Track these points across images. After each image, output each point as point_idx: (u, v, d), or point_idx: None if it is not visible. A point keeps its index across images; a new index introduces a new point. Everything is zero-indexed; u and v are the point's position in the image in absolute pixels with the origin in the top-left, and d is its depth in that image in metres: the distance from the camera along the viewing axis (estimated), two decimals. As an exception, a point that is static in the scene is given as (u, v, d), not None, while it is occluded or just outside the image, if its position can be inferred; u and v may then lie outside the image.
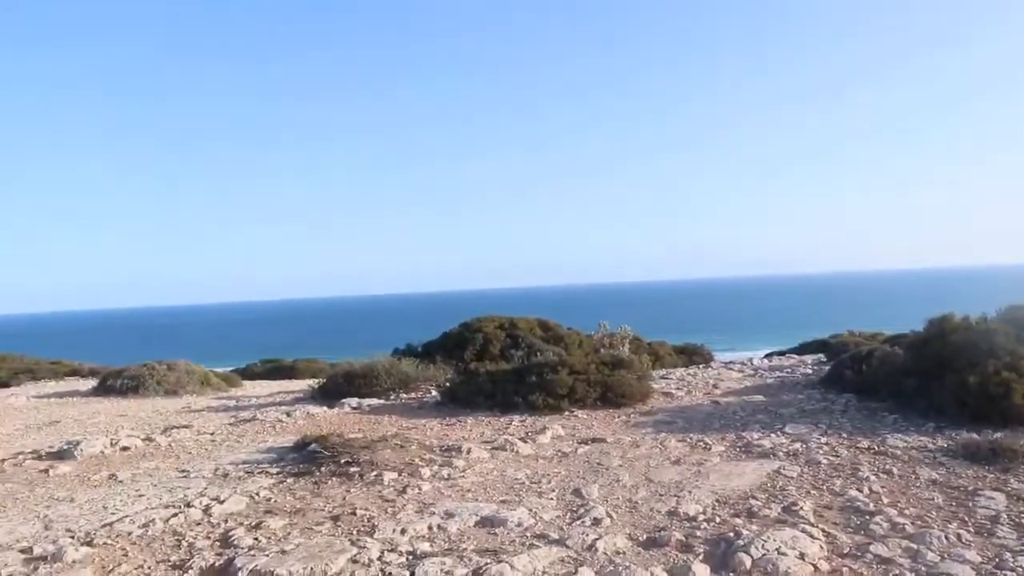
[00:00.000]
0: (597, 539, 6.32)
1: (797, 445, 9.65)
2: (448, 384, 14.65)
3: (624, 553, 6.07)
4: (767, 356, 26.39)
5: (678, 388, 15.39)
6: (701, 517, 6.88)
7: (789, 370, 18.42)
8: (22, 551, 6.59)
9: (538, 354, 15.46)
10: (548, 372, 13.59)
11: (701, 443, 10.03)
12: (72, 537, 6.94)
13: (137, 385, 20.17)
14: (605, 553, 6.04)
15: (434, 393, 14.97)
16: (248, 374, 30.39)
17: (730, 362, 22.82)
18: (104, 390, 20.99)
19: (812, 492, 7.62)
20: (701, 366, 21.71)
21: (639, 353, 18.90)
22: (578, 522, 6.85)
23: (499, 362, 16.24)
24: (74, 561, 6.25)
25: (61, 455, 10.67)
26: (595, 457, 9.48)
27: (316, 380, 18.44)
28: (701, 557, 5.92)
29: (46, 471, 9.81)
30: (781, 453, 9.28)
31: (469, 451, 9.74)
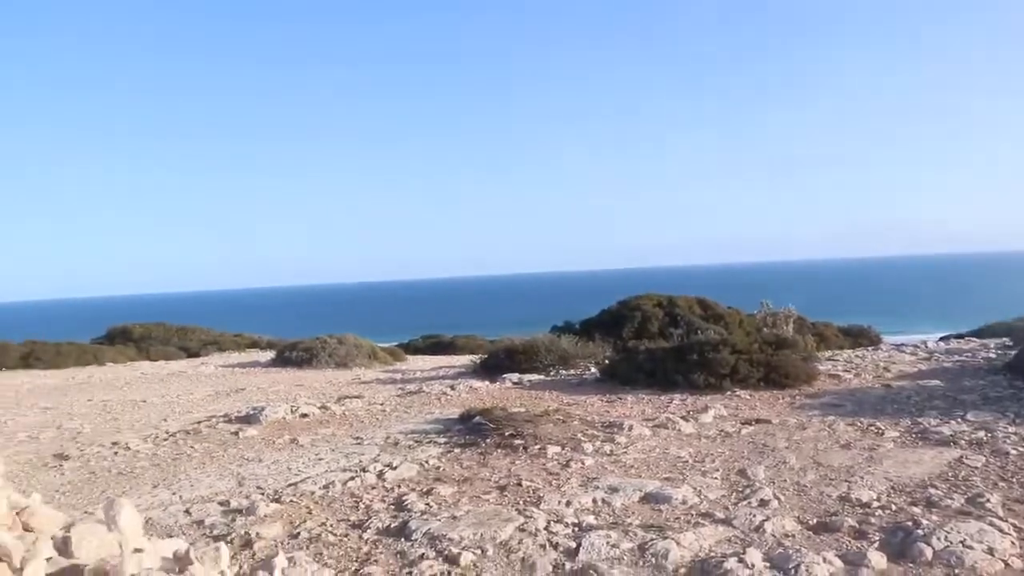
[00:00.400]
0: (765, 520, 6.19)
1: (981, 433, 9.03)
2: (607, 362, 14.68)
3: (793, 536, 5.91)
4: (943, 339, 24.81)
5: (846, 370, 14.74)
6: (875, 504, 6.59)
7: (969, 354, 17.22)
8: (220, 504, 7.21)
9: (698, 332, 15.23)
10: (709, 351, 13.37)
11: (873, 428, 9.59)
12: (262, 494, 7.51)
13: (310, 357, 21.39)
14: (773, 535, 5.92)
15: (593, 370, 15.05)
16: (410, 349, 31.54)
17: (901, 344, 21.55)
18: (281, 361, 22.39)
19: (1000, 484, 7.13)
20: (869, 348, 20.69)
21: (803, 333, 18.27)
22: (744, 503, 6.73)
23: (657, 340, 16.13)
24: (265, 516, 6.75)
25: (248, 419, 11.50)
26: (759, 438, 9.27)
27: (477, 356, 18.94)
28: (876, 545, 5.68)
29: (236, 433, 10.61)
30: (963, 441, 8.72)
31: (631, 428, 9.75)
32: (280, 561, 4.23)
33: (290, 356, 22.02)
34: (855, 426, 9.75)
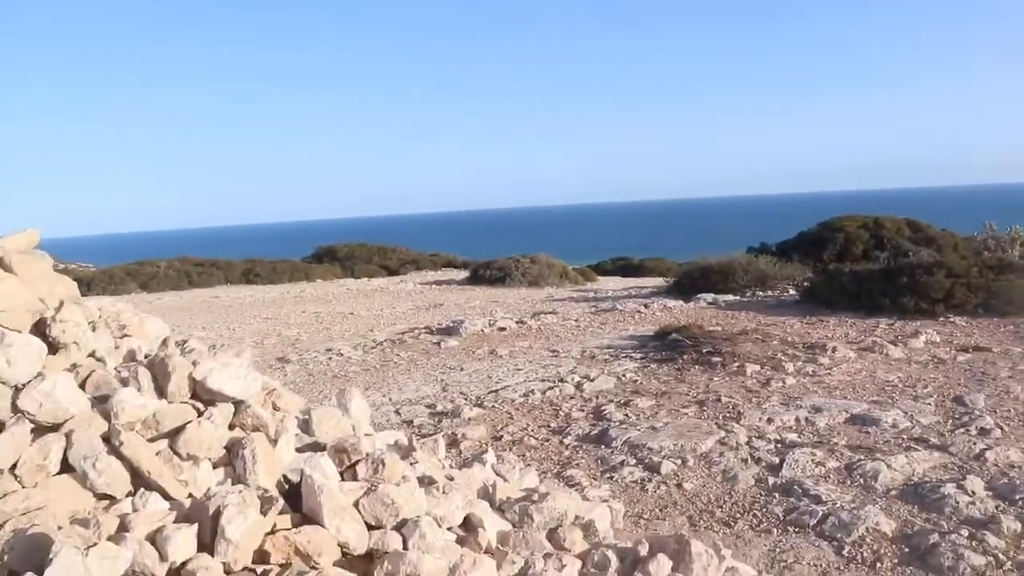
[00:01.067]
0: (986, 449, 5.77)
1: None
2: (807, 284, 14.07)
3: (1019, 468, 5.49)
4: None
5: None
6: (1115, 437, 6.01)
7: None
8: (427, 407, 7.61)
9: (908, 255, 14.24)
10: (921, 273, 12.49)
11: (1115, 358, 8.69)
12: (466, 399, 7.85)
13: (504, 276, 21.92)
14: (996, 464, 5.51)
15: (792, 292, 14.49)
16: (599, 271, 31.62)
17: None
18: (475, 280, 23.11)
19: None
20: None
21: (1031, 259, 16.68)
22: (961, 430, 6.31)
23: (861, 264, 15.25)
24: (469, 419, 7.06)
25: (448, 331, 12.00)
26: (978, 366, 8.60)
27: (668, 277, 18.71)
28: (1118, 477, 5.20)
29: (438, 344, 11.11)
30: None
31: (834, 350, 9.34)
32: (490, 457, 4.42)
33: (484, 275, 22.66)
34: (1093, 359, 8.86)
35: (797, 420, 6.71)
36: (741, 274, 15.26)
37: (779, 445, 6.08)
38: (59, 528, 2.19)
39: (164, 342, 3.31)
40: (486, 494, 3.74)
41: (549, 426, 6.88)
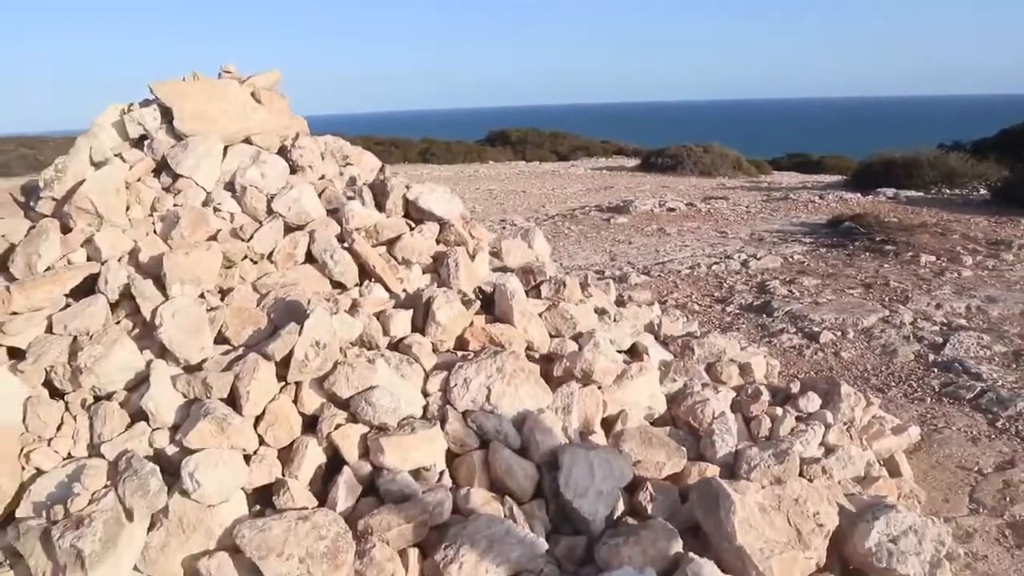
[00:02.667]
0: None
1: None
2: (1000, 183, 13.25)
3: None
4: None
5: None
6: None
7: None
8: (596, 272, 8.02)
9: None
10: None
11: None
12: (633, 267, 8.20)
13: (675, 164, 21.72)
14: None
15: (983, 191, 13.70)
16: (774, 166, 30.57)
17: None
18: (646, 167, 23.02)
19: None
20: None
21: None
22: None
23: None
24: (636, 284, 7.42)
25: (618, 210, 12.28)
26: None
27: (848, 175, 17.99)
28: None
29: (607, 220, 11.43)
30: None
31: (1021, 247, 8.95)
32: (656, 309, 4.76)
33: (655, 162, 22.54)
34: None
35: (968, 308, 6.64)
36: (927, 169, 14.50)
37: (945, 328, 6.10)
38: (308, 301, 2.75)
39: (380, 170, 3.83)
40: (651, 329, 4.12)
41: (713, 295, 7.15)
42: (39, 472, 2.35)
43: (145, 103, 3.38)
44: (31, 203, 3.00)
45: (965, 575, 3.08)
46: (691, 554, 2.46)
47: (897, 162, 15.02)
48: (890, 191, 13.77)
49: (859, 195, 13.70)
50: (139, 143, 3.30)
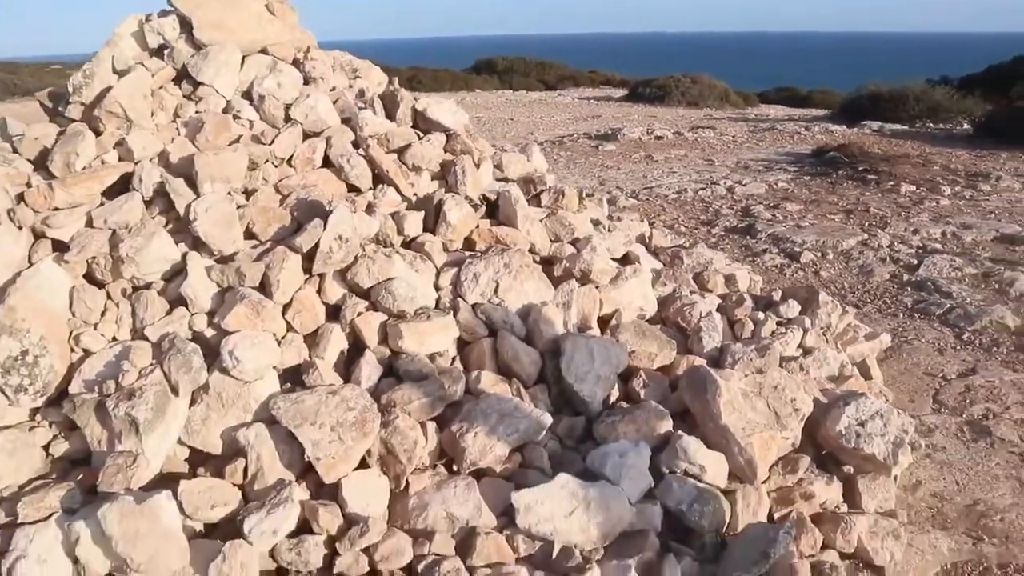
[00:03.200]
0: None
1: None
2: (983, 118, 13.46)
3: None
4: None
5: None
6: None
7: None
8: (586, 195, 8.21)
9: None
10: (1115, 112, 11.76)
11: None
12: (621, 192, 8.40)
13: (663, 94, 21.74)
14: None
15: (966, 126, 13.91)
16: (762, 99, 30.55)
17: None
18: (634, 97, 23.01)
19: None
20: None
21: None
22: (1118, 255, 6.37)
23: (1054, 101, 14.30)
24: (624, 207, 7.63)
25: (606, 137, 12.42)
26: None
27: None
28: None
29: (596, 147, 11.59)
30: None
31: (998, 179, 9.21)
32: (646, 224, 4.96)
33: (643, 92, 22.53)
34: None
35: (943, 234, 6.91)
36: (913, 103, 14.67)
37: (920, 251, 6.38)
38: (329, 200, 2.95)
39: (388, 83, 3.99)
40: (642, 241, 4.35)
41: (699, 218, 7.39)
42: (86, 353, 2.56)
43: (163, 13, 3.51)
44: (59, 108, 3.15)
45: (925, 463, 3.39)
46: (680, 432, 2.74)
47: (884, 96, 15.17)
48: (875, 124, 13.96)
49: (844, 127, 13.89)
50: (158, 52, 3.44)
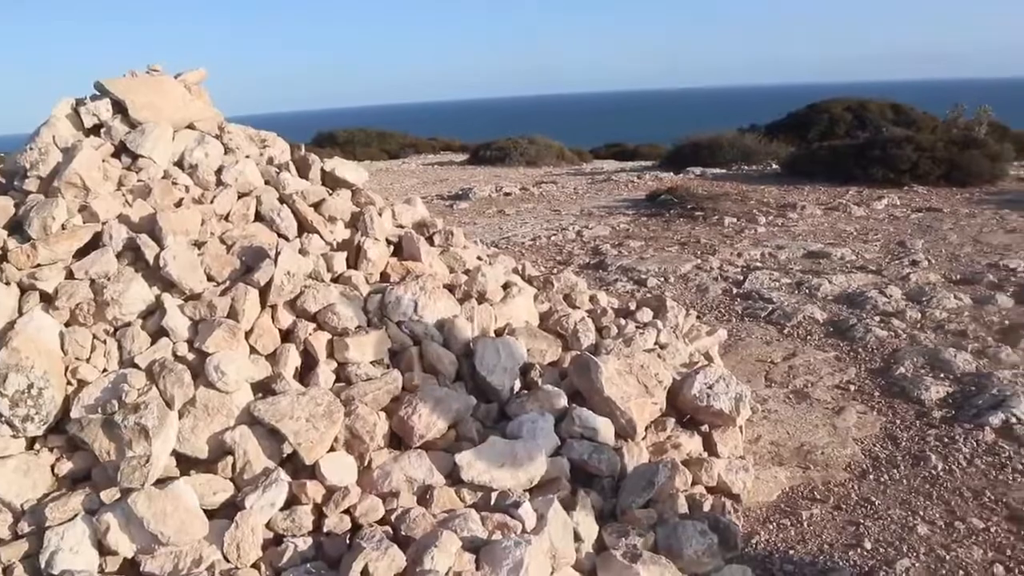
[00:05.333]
0: (911, 273, 7.18)
1: None
2: (788, 158, 15.29)
3: (934, 285, 6.85)
4: None
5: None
6: (1021, 269, 7.25)
7: None
8: (452, 247, 8.98)
9: (884, 131, 15.44)
10: (892, 147, 13.70)
11: (1047, 218, 9.99)
12: (481, 242, 9.20)
13: (503, 156, 23.01)
14: (916, 283, 6.90)
15: (775, 166, 15.73)
16: (594, 155, 32.59)
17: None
18: (475, 160, 24.19)
19: None
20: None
21: (1002, 141, 17.81)
22: (896, 262, 7.70)
23: (844, 141, 16.40)
24: (488, 254, 8.42)
25: (458, 197, 13.30)
26: (926, 222, 9.93)
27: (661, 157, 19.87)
28: (1009, 293, 6.49)
29: (450, 206, 12.42)
30: None
31: (803, 208, 10.69)
32: (514, 262, 5.74)
33: (484, 155, 23.75)
34: (1028, 217, 10.15)
35: (762, 254, 8.11)
36: (728, 149, 16.45)
37: (744, 269, 7.51)
38: (270, 245, 3.54)
39: (292, 150, 4.61)
40: (517, 272, 5.13)
41: (555, 259, 8.29)
42: (81, 384, 3.03)
43: (95, 97, 4.03)
44: (15, 183, 3.60)
45: (762, 422, 4.28)
46: (574, 404, 3.48)
47: (703, 144, 16.92)
48: (698, 169, 15.57)
49: (672, 174, 15.41)
50: (94, 131, 3.95)
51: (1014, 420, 4.13)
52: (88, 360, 3.07)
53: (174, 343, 3.11)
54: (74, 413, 2.94)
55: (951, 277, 7.09)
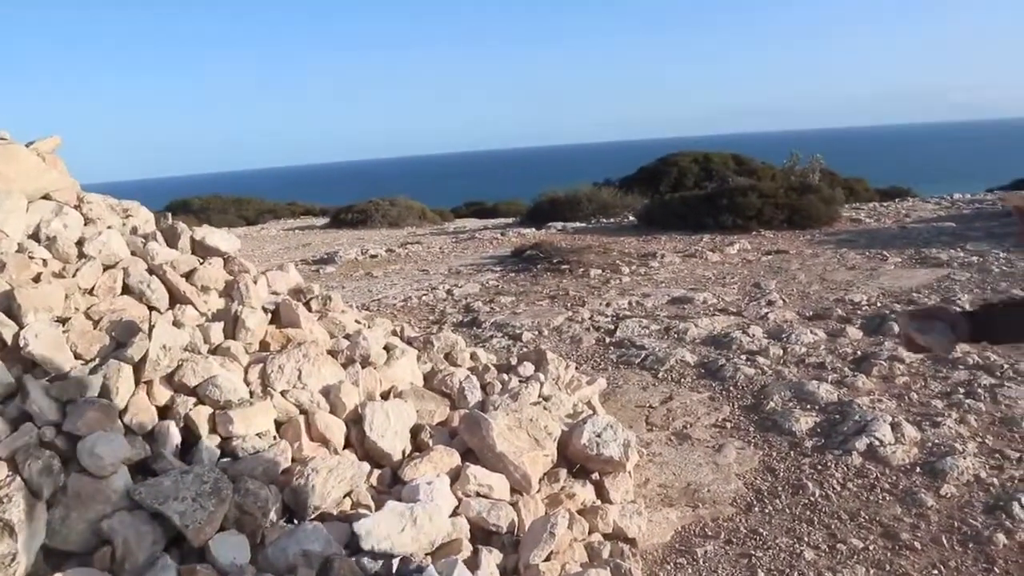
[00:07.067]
0: (769, 312, 7.60)
1: (974, 258, 10.12)
2: (643, 210, 15.94)
3: (791, 322, 7.30)
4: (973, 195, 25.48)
5: (868, 216, 15.78)
6: (864, 303, 7.87)
7: (991, 203, 18.11)
8: (321, 312, 8.81)
9: (729, 181, 16.36)
10: (738, 196, 14.54)
11: (879, 255, 10.78)
12: (352, 306, 9.07)
13: (365, 218, 22.88)
14: (775, 321, 7.32)
15: (631, 218, 16.34)
16: (454, 214, 32.93)
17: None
18: (337, 223, 23.93)
19: (975, 290, 8.30)
20: (897, 200, 21.56)
21: (832, 186, 19.24)
22: (754, 302, 8.13)
23: (693, 192, 17.26)
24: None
25: (324, 261, 13.11)
26: (776, 263, 10.56)
27: (521, 216, 20.28)
28: (857, 325, 7.02)
29: (316, 271, 12.21)
30: (956, 264, 9.85)
31: (663, 256, 11.13)
32: (392, 324, 5.70)
33: (345, 218, 23.53)
34: (864, 255, 10.94)
35: (630, 303, 8.36)
36: (586, 203, 17.00)
37: (614, 318, 7.71)
38: (141, 319, 3.37)
39: (157, 220, 4.43)
40: (396, 333, 5.08)
41: (428, 319, 8.27)
42: (-66, 479, 2.77)
43: (-65, 170, 3.76)
44: None
45: (648, 465, 4.38)
46: (467, 463, 3.45)
47: (561, 199, 17.40)
48: (559, 224, 15.97)
49: (534, 229, 15.73)
50: (-65, 207, 3.67)
51: (877, 443, 4.40)
52: (-59, 454, 2.81)
53: (39, 428, 2.89)
54: (-73, 513, 2.68)
55: (804, 314, 7.54)
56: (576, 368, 6.21)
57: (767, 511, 3.83)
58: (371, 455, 3.49)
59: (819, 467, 4.25)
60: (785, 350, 6.30)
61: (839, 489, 3.99)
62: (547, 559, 3.08)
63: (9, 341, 3.05)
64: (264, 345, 3.80)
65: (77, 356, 3.18)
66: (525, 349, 6.91)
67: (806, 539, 3.55)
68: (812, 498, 3.92)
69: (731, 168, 22.21)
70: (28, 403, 2.89)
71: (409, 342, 5.03)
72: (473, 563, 2.94)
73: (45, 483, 2.72)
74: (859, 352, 6.15)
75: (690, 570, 3.37)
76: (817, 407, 5.07)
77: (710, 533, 3.67)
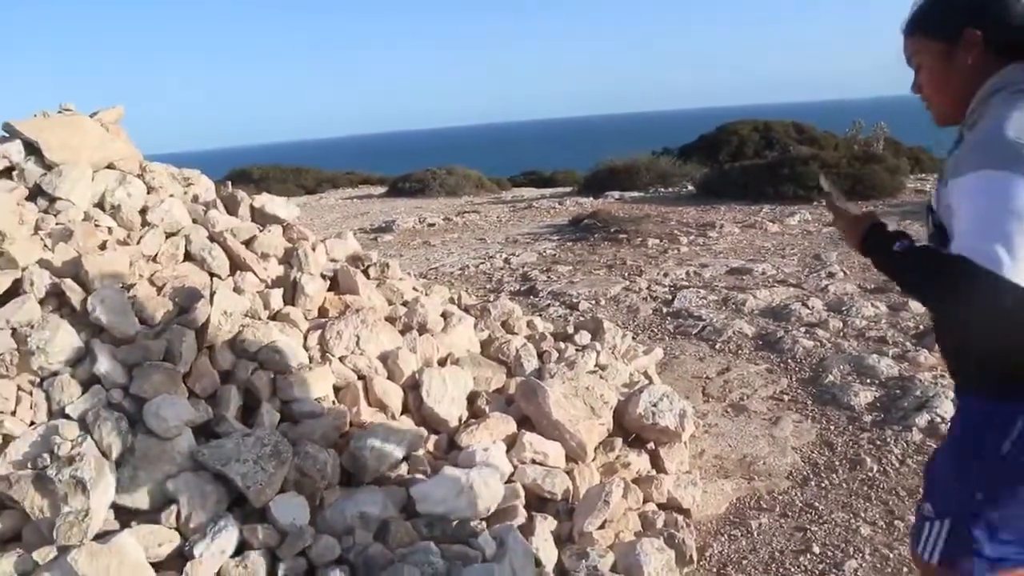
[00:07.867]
0: (829, 284, 7.42)
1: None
2: (702, 179, 15.68)
3: (851, 295, 7.11)
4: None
5: (934, 187, 15.31)
6: (933, 274, 7.66)
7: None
8: (379, 280, 8.89)
9: (791, 150, 15.99)
10: (799, 165, 14.20)
11: (947, 224, 10.48)
12: (409, 274, 9.14)
13: (423, 187, 22.96)
14: (835, 294, 7.14)
15: (690, 187, 16.10)
16: (512, 183, 32.85)
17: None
18: (394, 192, 24.07)
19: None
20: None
21: (898, 156, 18.67)
22: (814, 274, 7.95)
23: (753, 161, 16.92)
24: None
25: (382, 230, 13.20)
26: (837, 235, 10.30)
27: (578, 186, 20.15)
28: (923, 297, 6.82)
29: (374, 239, 12.30)
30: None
31: (722, 227, 10.94)
32: (449, 292, 5.72)
33: (403, 187, 23.65)
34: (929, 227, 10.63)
35: (687, 273, 8.26)
36: (644, 173, 16.78)
37: (672, 288, 7.62)
38: (204, 285, 3.43)
39: (217, 188, 4.50)
40: (454, 301, 5.10)
41: (485, 287, 8.28)
42: (7, 439, 2.87)
43: (3, 139, 3.86)
44: (-76, 232, 3.41)
45: (704, 436, 4.33)
46: (523, 430, 3.45)
47: (619, 169, 17.21)
48: (616, 193, 15.80)
49: (592, 199, 15.61)
50: (3, 174, 3.78)
51: (938, 420, 4.28)
52: (14, 413, 2.91)
53: (108, 390, 2.97)
54: (1, 470, 2.78)
55: (866, 287, 7.34)
56: (633, 338, 6.17)
57: (823, 485, 3.77)
58: (428, 421, 3.51)
59: (878, 442, 4.16)
60: (845, 323, 6.16)
61: (898, 465, 3.90)
62: (601, 527, 3.07)
63: (78, 307, 3.13)
64: (323, 311, 3.84)
65: (142, 321, 3.25)
66: (582, 318, 6.87)
67: (863, 515, 3.48)
68: (870, 473, 3.84)
69: (792, 137, 21.69)
70: (96, 366, 2.97)
71: (466, 310, 5.05)
72: (528, 529, 2.95)
73: (114, 443, 2.79)
74: (921, 327, 5.98)
75: (744, 542, 3.34)
76: (877, 381, 4.95)
77: (765, 506, 3.62)
